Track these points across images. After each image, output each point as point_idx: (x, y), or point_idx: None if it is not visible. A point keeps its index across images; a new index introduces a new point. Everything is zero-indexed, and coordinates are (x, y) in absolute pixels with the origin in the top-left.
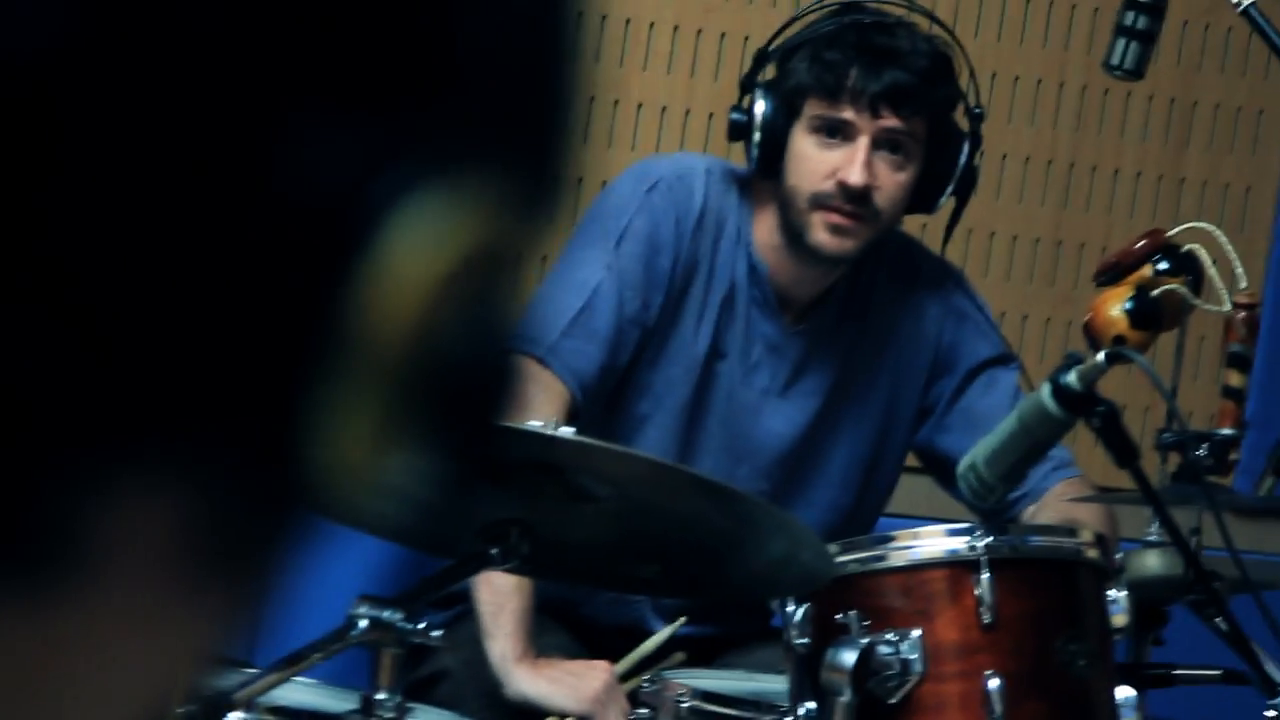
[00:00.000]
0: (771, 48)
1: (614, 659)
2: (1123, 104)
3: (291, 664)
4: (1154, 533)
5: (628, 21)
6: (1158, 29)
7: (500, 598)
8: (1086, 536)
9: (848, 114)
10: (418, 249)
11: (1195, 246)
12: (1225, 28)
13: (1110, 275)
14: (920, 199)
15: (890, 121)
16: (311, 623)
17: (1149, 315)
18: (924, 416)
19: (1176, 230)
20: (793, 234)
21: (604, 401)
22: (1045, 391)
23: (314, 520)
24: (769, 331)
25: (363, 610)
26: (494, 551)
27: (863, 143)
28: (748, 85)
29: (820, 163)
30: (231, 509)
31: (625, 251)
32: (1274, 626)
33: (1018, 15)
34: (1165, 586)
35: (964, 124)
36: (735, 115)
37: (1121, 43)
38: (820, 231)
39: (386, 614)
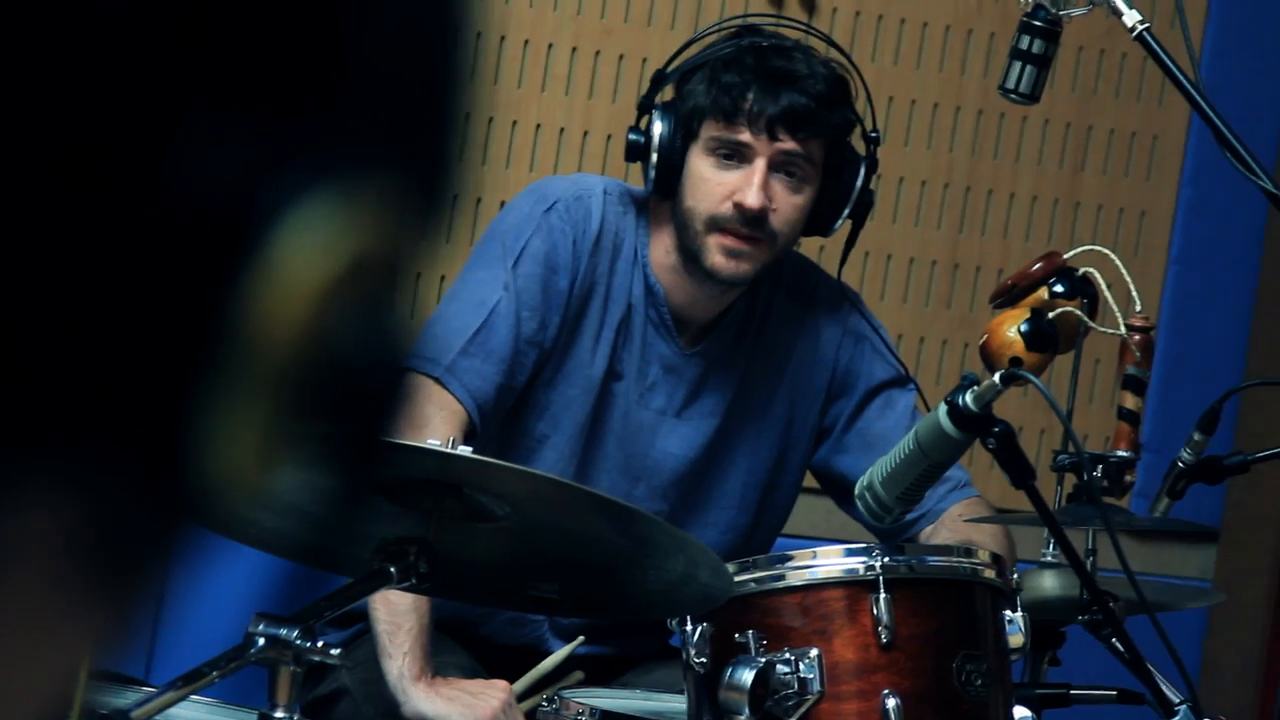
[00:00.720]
0: (669, 69)
1: (512, 678)
2: (1019, 128)
3: (189, 682)
4: (1050, 554)
5: (526, 42)
6: (1053, 53)
7: (398, 616)
8: (983, 557)
9: (745, 136)
10: (307, 254)
11: (1091, 270)
12: (1120, 53)
13: (1006, 298)
14: (817, 222)
15: (787, 144)
16: (209, 640)
17: (1045, 337)
18: (821, 437)
19: (1073, 253)
20: (689, 255)
21: (501, 421)
22: (941, 412)
23: (201, 532)
24: (665, 352)
25: (260, 628)
26: (392, 569)
27: (759, 165)
28: (645, 106)
29: (717, 184)
30: (120, 517)
31: (523, 272)
32: (1169, 647)
33: (914, 40)
34: (1062, 607)
35: (861, 148)
36: (633, 136)
37: (1017, 66)
38: (716, 255)
39: (284, 632)
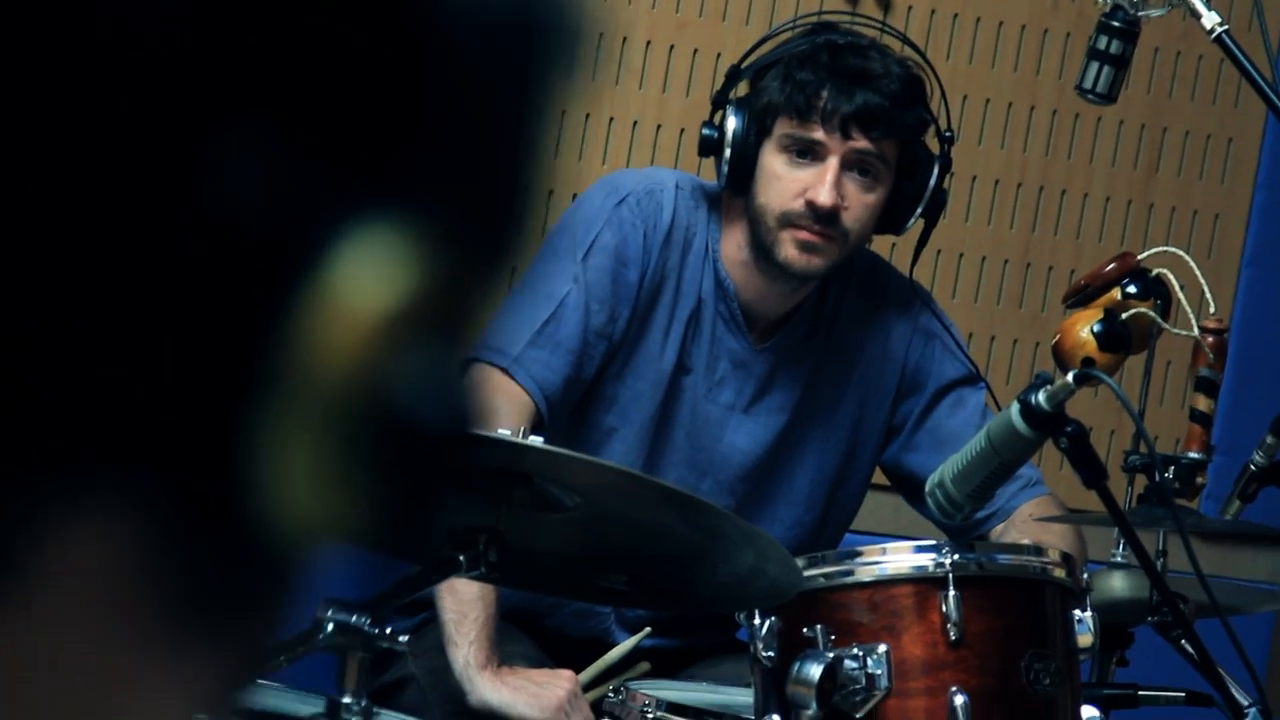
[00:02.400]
0: (744, 65)
1: (578, 669)
2: (1093, 129)
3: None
4: (1120, 554)
5: (600, 35)
6: (1130, 54)
7: (465, 605)
8: (1053, 556)
9: (818, 134)
10: (363, 285)
11: (1164, 271)
12: (1197, 55)
13: (1079, 298)
14: (889, 220)
15: (860, 143)
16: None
17: (1117, 338)
18: (891, 435)
19: (1146, 254)
20: (761, 251)
21: (569, 414)
22: (1014, 411)
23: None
24: (735, 348)
25: (329, 614)
26: (461, 558)
27: (832, 163)
28: (719, 101)
29: (790, 182)
30: (183, 552)
31: (593, 264)
32: (1239, 649)
33: (990, 39)
34: (1131, 607)
35: (934, 147)
36: (706, 131)
37: (1094, 66)
38: (789, 248)
39: (353, 618)
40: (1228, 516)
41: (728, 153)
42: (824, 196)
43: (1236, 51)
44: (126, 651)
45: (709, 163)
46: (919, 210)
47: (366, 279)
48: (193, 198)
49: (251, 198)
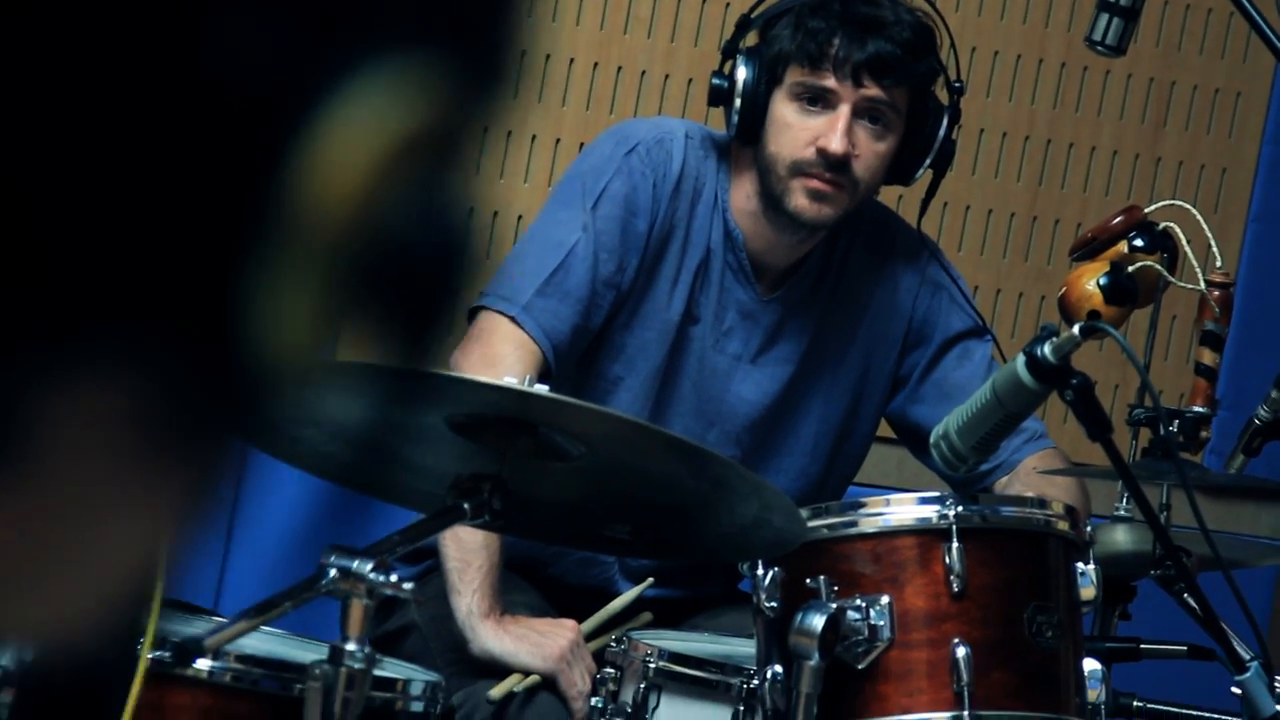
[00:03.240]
0: (755, 14)
1: (581, 619)
2: (1101, 82)
3: (261, 612)
4: (1123, 507)
5: None
6: (1140, 5)
7: (468, 554)
8: (1057, 508)
9: (829, 82)
10: (357, 129)
11: (1171, 224)
12: (1206, 9)
13: (1086, 251)
14: (898, 170)
15: (872, 91)
16: (276, 573)
17: (1123, 291)
18: (897, 387)
19: (1153, 208)
20: (771, 200)
21: (577, 362)
22: (1020, 363)
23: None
24: (743, 298)
25: (333, 559)
26: (465, 506)
27: (844, 111)
28: (730, 51)
29: (801, 130)
30: (181, 392)
31: (602, 213)
32: (1242, 603)
33: None
34: (1134, 561)
35: (944, 97)
36: (716, 80)
37: (1105, 18)
38: (799, 197)
39: (356, 564)
40: (1231, 470)
41: (738, 102)
42: (835, 144)
43: (1247, 4)
44: (122, 485)
45: (717, 112)
46: (928, 161)
47: (361, 122)
48: (185, 56)
49: (244, 53)
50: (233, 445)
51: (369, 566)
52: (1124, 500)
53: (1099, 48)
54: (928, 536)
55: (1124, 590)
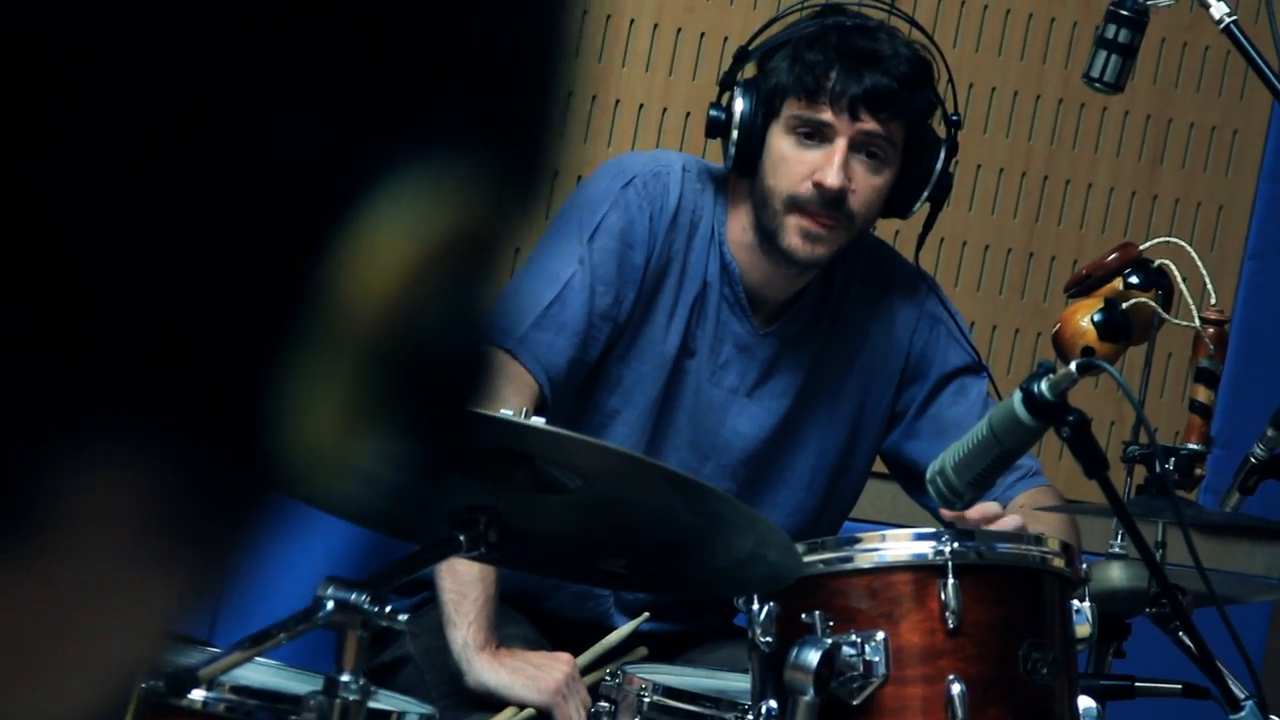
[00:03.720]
0: (752, 47)
1: (576, 652)
2: (1098, 119)
3: (256, 643)
4: (1118, 545)
5: (608, 18)
6: (1139, 43)
7: (464, 586)
8: (1052, 545)
9: (826, 115)
10: (396, 228)
11: (1166, 262)
12: (1203, 46)
13: (1081, 287)
14: (895, 204)
15: (868, 125)
16: (271, 604)
17: (1118, 328)
18: (893, 422)
19: (1149, 245)
20: (766, 235)
21: (573, 395)
22: (1017, 399)
23: (282, 500)
24: (739, 331)
25: (329, 592)
26: (462, 538)
27: (840, 145)
28: (727, 83)
29: (797, 163)
30: (199, 482)
31: (599, 246)
32: (1237, 641)
33: (997, 27)
34: (1128, 598)
35: (941, 131)
36: (714, 112)
37: (1102, 55)
38: (793, 236)
39: (353, 596)
40: (1227, 509)
41: (735, 134)
42: (831, 178)
43: (1245, 42)
44: (126, 580)
45: (715, 146)
46: (925, 194)
47: (401, 221)
48: (233, 143)
49: (291, 145)
50: (242, 543)
51: (365, 598)
52: (1119, 537)
53: (1097, 85)
54: (923, 572)
55: (1119, 628)
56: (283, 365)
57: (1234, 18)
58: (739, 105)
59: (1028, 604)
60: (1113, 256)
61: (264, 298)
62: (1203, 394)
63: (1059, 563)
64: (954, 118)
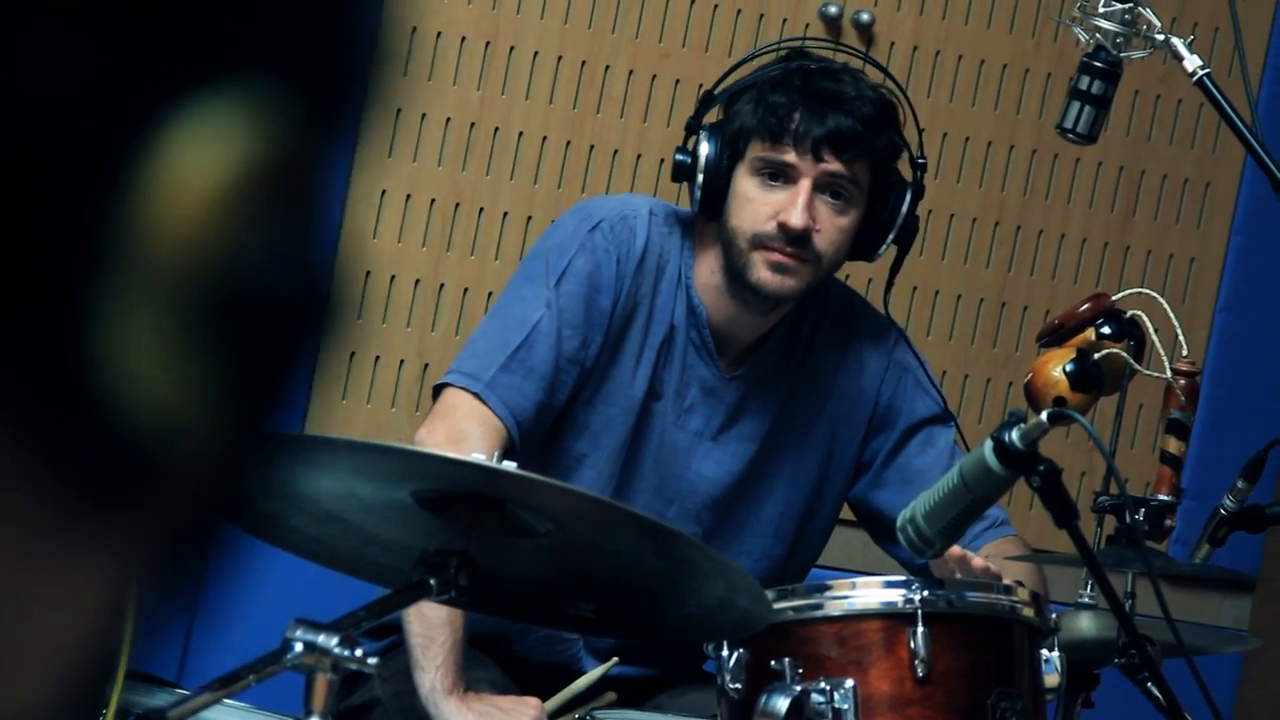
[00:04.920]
0: (718, 90)
1: (545, 697)
2: (1071, 170)
3: (224, 685)
4: (1087, 595)
5: (583, 64)
6: (1112, 94)
7: (432, 630)
8: (1022, 595)
9: (790, 157)
10: (196, 156)
11: (1138, 313)
12: (1176, 99)
13: (1053, 337)
14: (861, 246)
15: (832, 165)
16: (239, 645)
17: (1090, 378)
18: (860, 471)
19: (1121, 295)
20: (734, 274)
21: (541, 439)
22: (988, 448)
23: (246, 539)
24: (705, 374)
25: (298, 634)
26: (432, 581)
27: (804, 185)
28: (693, 127)
29: (762, 204)
30: (48, 444)
31: (566, 290)
32: (1205, 693)
33: (970, 77)
34: (1097, 648)
35: (907, 173)
36: (680, 156)
37: (1076, 106)
38: (761, 269)
39: (322, 639)
40: (1197, 560)
41: (700, 177)
42: (795, 218)
43: (1218, 95)
44: (34, 555)
45: (687, 191)
46: (891, 236)
47: (200, 153)
48: (5, 89)
49: (68, 84)
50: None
51: (334, 641)
52: (1089, 587)
53: (1070, 136)
54: (893, 620)
55: (1087, 678)
56: (92, 302)
57: (1207, 70)
58: (704, 149)
59: (997, 653)
60: (1085, 307)
61: (58, 250)
62: (1174, 445)
63: (1029, 612)
64: (920, 160)
